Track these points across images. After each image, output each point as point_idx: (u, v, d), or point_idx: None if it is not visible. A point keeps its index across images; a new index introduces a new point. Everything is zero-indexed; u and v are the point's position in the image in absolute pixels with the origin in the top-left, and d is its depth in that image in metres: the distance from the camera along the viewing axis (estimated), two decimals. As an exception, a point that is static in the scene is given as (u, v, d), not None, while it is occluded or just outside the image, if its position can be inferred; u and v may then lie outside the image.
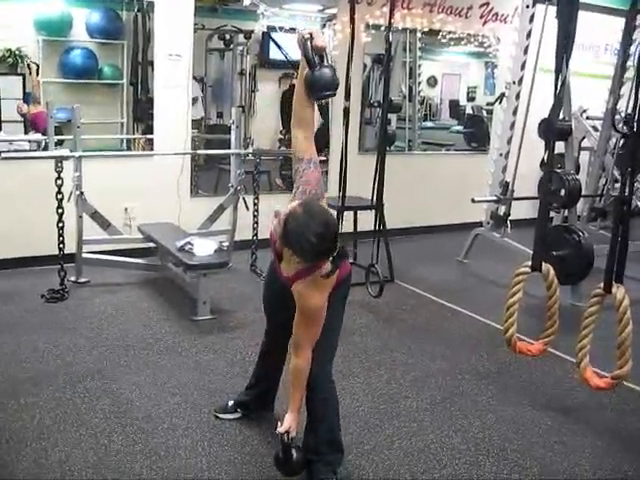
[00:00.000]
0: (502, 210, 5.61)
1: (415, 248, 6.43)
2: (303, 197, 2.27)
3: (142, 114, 5.79)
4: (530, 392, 3.50)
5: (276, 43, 6.15)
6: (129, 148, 5.95)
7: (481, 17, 6.75)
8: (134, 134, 5.86)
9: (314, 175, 2.33)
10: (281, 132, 6.84)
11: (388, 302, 4.74)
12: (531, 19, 5.24)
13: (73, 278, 4.78)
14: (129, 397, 3.21)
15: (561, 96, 3.04)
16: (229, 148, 5.23)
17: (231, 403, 3.10)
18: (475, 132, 8.04)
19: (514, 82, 5.39)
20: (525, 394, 3.47)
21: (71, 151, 4.56)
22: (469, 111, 8.49)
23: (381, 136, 4.99)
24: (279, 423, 2.43)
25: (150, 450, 2.77)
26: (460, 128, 8.40)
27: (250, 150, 5.29)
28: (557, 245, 4.70)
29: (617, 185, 6.20)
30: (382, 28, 6.27)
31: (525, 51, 5.29)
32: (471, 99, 8.69)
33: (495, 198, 5.53)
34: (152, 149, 5.56)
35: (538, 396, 3.46)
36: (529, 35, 5.27)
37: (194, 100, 5.86)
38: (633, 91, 2.91)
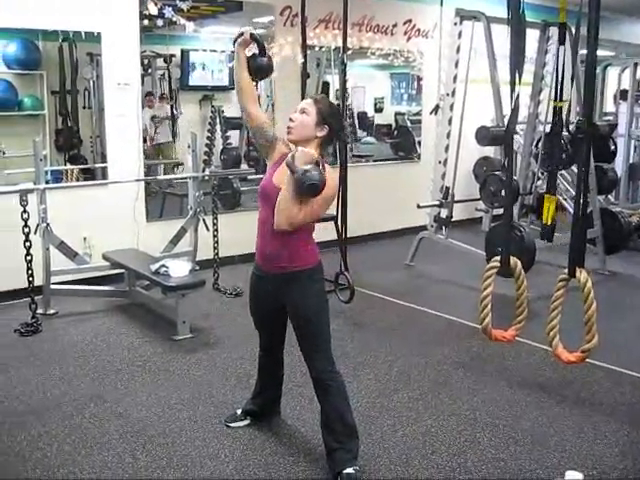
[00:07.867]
0: (444, 213, 6.01)
1: (363, 256, 6.60)
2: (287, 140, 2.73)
3: (66, 144, 5.81)
4: (505, 375, 3.85)
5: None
6: (58, 180, 5.92)
7: (405, 33, 7.17)
8: (64, 165, 5.86)
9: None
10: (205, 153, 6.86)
11: (352, 307, 4.97)
12: (459, 35, 5.67)
13: (41, 310, 4.76)
14: (138, 417, 3.32)
15: (517, 106, 3.40)
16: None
17: (239, 412, 3.27)
18: (402, 142, 8.48)
19: (447, 94, 5.80)
20: (501, 377, 3.82)
21: (34, 184, 4.58)
22: (389, 123, 8.82)
23: (342, 150, 5.18)
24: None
25: (177, 463, 2.91)
26: (370, 139, 8.77)
27: (207, 172, 5.44)
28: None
29: (539, 182, 6.78)
30: (316, 48, 6.63)
31: (456, 65, 5.71)
32: (379, 110, 9.06)
33: (438, 202, 5.92)
34: (86, 179, 5.68)
35: (512, 377, 3.82)
36: (458, 50, 5.70)
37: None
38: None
